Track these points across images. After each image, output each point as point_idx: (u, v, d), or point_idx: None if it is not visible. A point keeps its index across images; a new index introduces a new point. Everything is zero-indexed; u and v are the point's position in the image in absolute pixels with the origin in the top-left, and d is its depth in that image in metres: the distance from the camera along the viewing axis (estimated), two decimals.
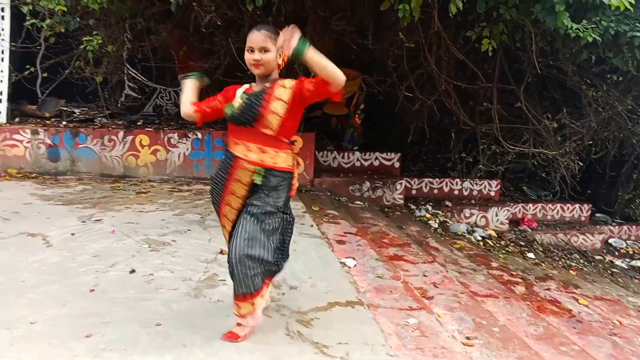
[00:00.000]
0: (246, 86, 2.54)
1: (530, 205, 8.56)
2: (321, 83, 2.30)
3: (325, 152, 7.72)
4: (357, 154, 7.86)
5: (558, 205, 8.74)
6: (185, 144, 6.51)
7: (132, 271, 3.43)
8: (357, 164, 7.86)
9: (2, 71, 6.29)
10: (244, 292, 2.43)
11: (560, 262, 6.94)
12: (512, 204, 8.26)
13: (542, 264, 6.58)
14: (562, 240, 7.93)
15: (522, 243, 7.50)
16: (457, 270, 5.00)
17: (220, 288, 3.25)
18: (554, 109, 7.41)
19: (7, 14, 6.18)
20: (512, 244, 7.28)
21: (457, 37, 6.33)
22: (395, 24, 5.61)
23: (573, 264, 6.97)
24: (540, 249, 7.43)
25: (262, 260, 2.44)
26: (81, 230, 4.24)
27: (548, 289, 5.36)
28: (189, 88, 2.66)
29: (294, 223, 2.71)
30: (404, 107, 7.64)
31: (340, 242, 4.55)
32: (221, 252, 3.87)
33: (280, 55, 2.40)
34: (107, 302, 2.97)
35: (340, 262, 3.95)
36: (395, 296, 3.47)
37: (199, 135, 6.54)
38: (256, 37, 2.38)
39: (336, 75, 2.22)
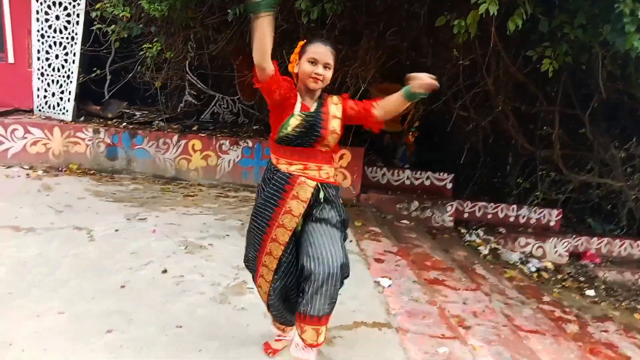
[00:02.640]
0: (300, 102, 2.27)
1: (595, 239, 7.94)
2: (366, 112, 2.33)
3: (375, 168, 7.58)
4: (408, 172, 7.65)
5: (626, 241, 8.04)
6: (235, 151, 6.60)
7: (164, 271, 3.47)
8: (407, 182, 7.64)
9: (72, 72, 6.68)
10: (327, 312, 2.21)
11: (624, 304, 6.38)
12: (573, 236, 7.70)
13: (602, 304, 6.08)
14: (630, 279, 7.29)
15: (582, 279, 6.97)
16: (502, 301, 4.70)
17: (247, 296, 3.21)
18: (623, 138, 6.87)
19: (81, 19, 6.57)
20: (570, 279, 6.79)
21: (518, 56, 6.03)
22: (451, 40, 5.43)
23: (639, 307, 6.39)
24: (603, 287, 6.88)
25: (346, 267, 2.27)
26: (125, 227, 4.37)
27: (605, 331, 4.94)
28: (268, 30, 1.98)
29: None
30: (457, 126, 7.37)
31: (378, 260, 4.39)
32: None
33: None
34: (134, 300, 3.00)
35: (375, 281, 3.81)
36: (428, 322, 3.28)
37: (250, 144, 6.61)
38: (323, 51, 2.21)
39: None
